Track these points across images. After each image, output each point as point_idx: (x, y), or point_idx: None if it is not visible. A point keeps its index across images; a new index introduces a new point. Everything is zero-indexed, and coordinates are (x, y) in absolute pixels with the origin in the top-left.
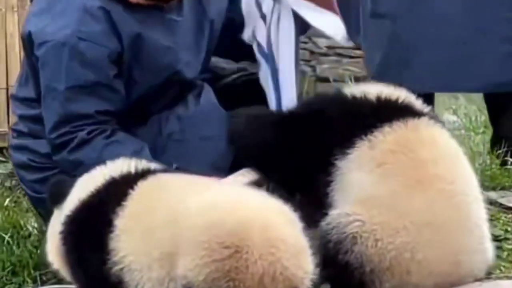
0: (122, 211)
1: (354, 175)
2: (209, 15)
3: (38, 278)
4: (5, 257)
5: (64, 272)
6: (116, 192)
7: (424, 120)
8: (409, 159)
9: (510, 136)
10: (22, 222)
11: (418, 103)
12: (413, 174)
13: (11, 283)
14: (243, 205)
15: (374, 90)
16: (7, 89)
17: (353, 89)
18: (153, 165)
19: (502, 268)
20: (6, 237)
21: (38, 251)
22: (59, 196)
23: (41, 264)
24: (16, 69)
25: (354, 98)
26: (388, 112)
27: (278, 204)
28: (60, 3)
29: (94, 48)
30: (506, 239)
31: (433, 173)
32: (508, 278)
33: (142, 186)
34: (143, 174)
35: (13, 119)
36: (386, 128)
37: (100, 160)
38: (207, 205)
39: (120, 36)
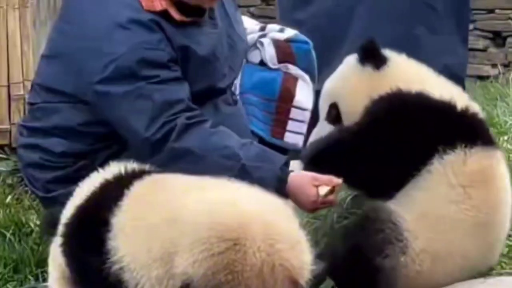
0: (119, 210)
1: (437, 178)
2: (236, 31)
3: (39, 275)
4: (6, 254)
5: None
6: (111, 192)
7: (499, 150)
8: (486, 187)
9: None
10: (23, 219)
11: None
12: (486, 205)
13: (13, 280)
14: (241, 202)
15: (458, 97)
16: (8, 87)
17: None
18: (148, 166)
19: (503, 264)
20: (8, 234)
21: (40, 248)
22: (54, 227)
23: (43, 261)
24: (17, 66)
25: (452, 105)
26: (483, 132)
27: (276, 201)
28: (107, 22)
29: (160, 54)
30: (508, 235)
31: (500, 210)
32: (509, 274)
33: (138, 186)
34: (138, 174)
35: (15, 116)
36: (479, 147)
37: (207, 148)
38: (206, 202)
39: (172, 46)
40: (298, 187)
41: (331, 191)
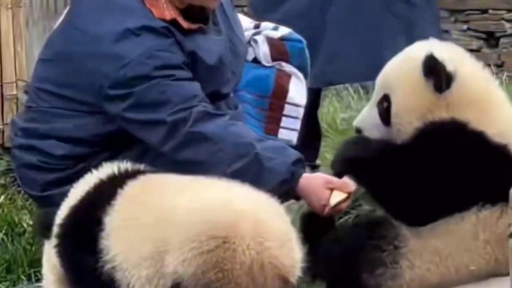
0: (112, 209)
1: (466, 226)
2: (236, 33)
3: (32, 275)
4: None
5: None
6: (105, 192)
7: None
8: (503, 246)
9: None
10: (16, 219)
11: None
12: (498, 261)
13: (6, 280)
14: (233, 201)
15: None
16: (1, 86)
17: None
18: (143, 166)
19: None
20: (1, 235)
21: (33, 248)
22: (48, 228)
23: (36, 261)
24: (10, 66)
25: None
26: None
27: (269, 200)
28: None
29: (172, 56)
30: None
31: None
32: None
33: (131, 185)
34: (132, 174)
35: (8, 116)
36: None
37: (223, 136)
38: (198, 202)
39: (183, 52)
40: (310, 188)
41: (346, 199)
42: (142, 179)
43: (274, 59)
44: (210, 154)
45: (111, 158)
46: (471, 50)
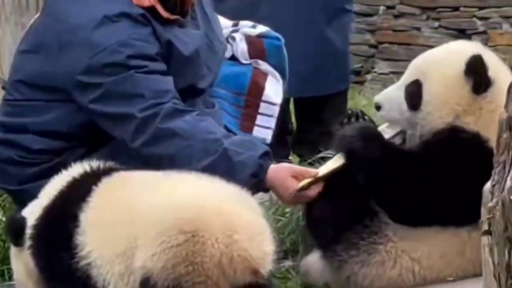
0: (87, 206)
1: (456, 241)
2: (215, 31)
3: (5, 272)
4: None
5: None
6: (80, 189)
7: None
8: None
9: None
10: None
11: None
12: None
13: None
14: (203, 195)
15: None
16: None
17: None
18: (114, 164)
19: None
20: None
21: (6, 245)
22: (20, 234)
23: (8, 258)
24: None
25: None
26: None
27: (239, 192)
28: (97, 14)
29: (148, 46)
30: None
31: None
32: None
33: (106, 182)
34: (106, 172)
35: None
36: None
37: (192, 132)
38: (169, 197)
39: (160, 42)
40: (277, 179)
41: (312, 183)
42: (116, 176)
43: (251, 56)
44: (179, 150)
45: (86, 154)
46: None
